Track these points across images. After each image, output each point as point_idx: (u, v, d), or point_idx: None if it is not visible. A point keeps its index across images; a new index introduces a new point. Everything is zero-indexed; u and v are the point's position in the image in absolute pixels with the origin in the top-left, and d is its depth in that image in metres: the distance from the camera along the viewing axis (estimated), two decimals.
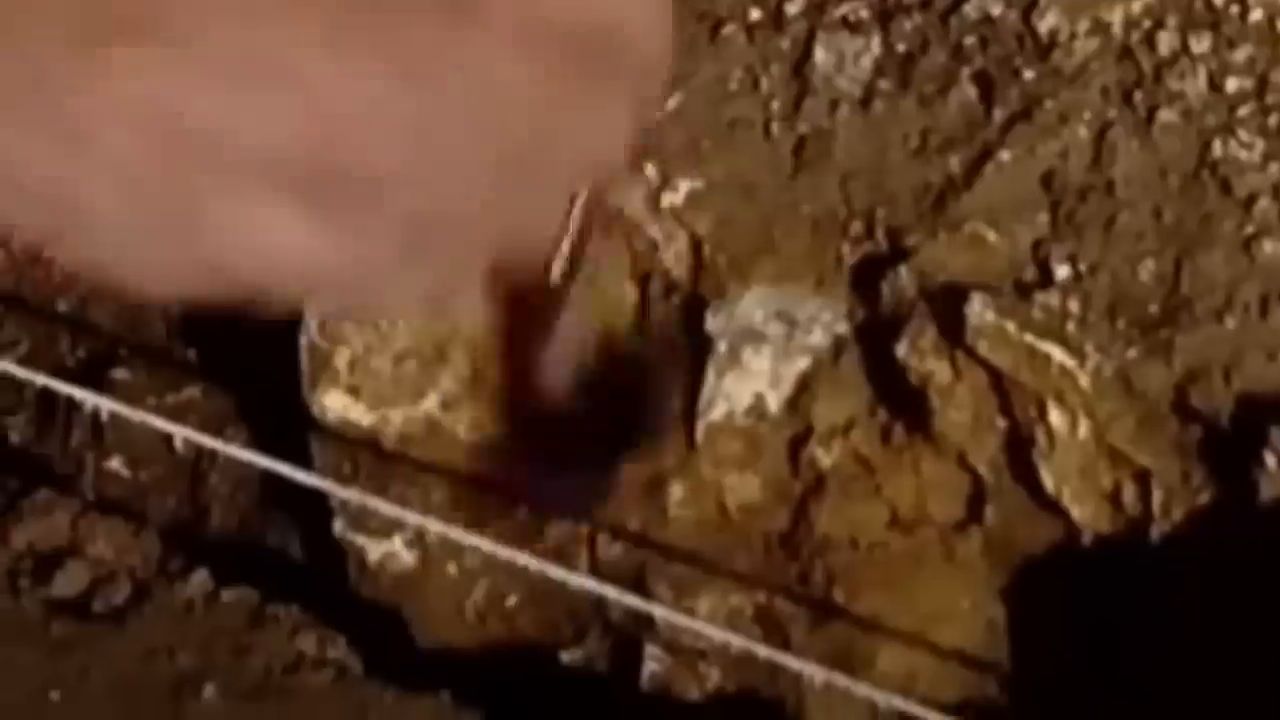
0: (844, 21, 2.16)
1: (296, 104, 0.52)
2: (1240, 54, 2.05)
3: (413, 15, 0.53)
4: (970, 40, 2.11)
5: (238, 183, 0.52)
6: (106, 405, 2.25)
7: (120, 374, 2.46)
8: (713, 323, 2.15)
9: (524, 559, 2.03)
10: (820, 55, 2.15)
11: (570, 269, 0.61)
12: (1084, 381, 1.98)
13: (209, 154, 0.52)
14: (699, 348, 2.16)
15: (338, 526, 2.25)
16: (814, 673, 2.01)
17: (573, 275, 0.62)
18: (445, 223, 0.55)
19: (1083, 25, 2.08)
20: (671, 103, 2.17)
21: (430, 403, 2.21)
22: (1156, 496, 2.00)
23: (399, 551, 2.24)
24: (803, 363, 2.12)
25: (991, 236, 2.04)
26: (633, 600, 2.05)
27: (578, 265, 0.61)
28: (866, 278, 2.10)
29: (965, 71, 2.10)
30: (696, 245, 2.16)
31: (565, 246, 0.60)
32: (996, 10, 2.12)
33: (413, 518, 2.10)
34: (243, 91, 0.52)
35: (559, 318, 0.63)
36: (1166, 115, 2.03)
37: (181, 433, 2.23)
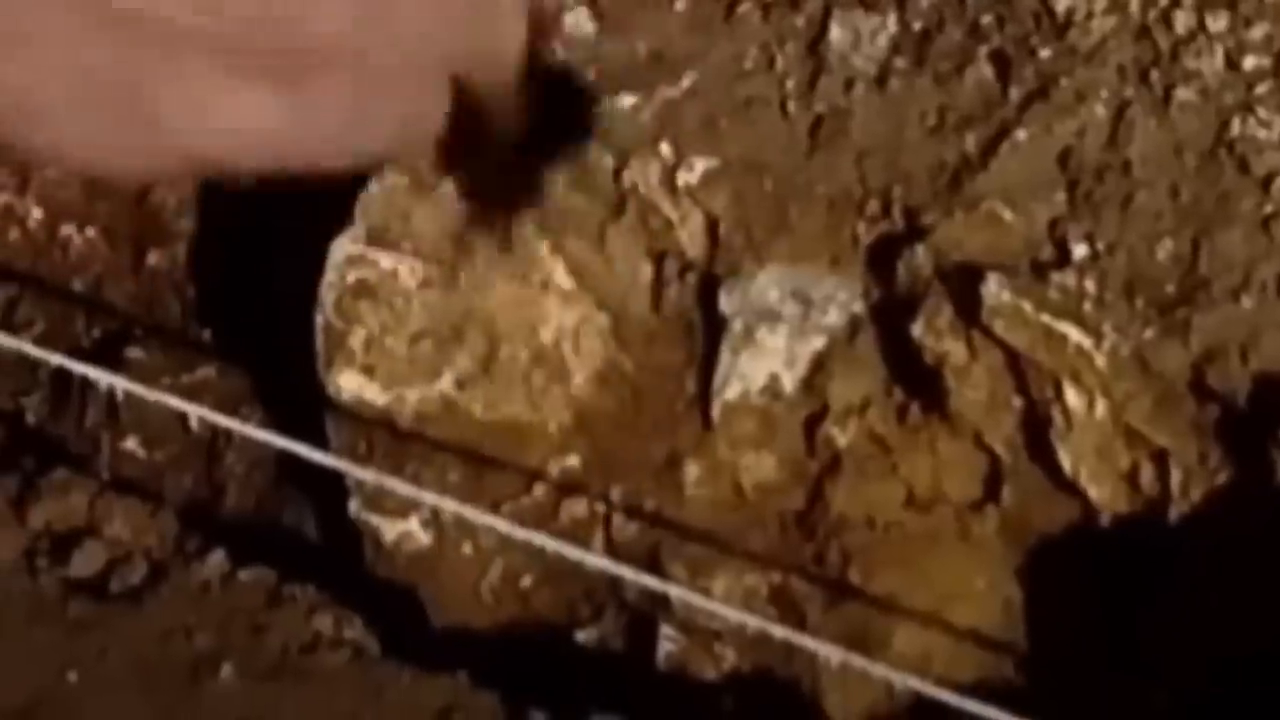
0: (860, 0, 2.16)
1: None
2: (1257, 32, 2.04)
3: None
4: (987, 18, 2.11)
5: (181, 62, 0.52)
6: (122, 385, 2.25)
7: (135, 353, 2.46)
8: (727, 302, 2.14)
9: (539, 539, 2.03)
10: (836, 33, 2.15)
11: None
12: (1101, 361, 1.97)
13: (148, 36, 0.52)
14: (714, 327, 2.15)
15: (353, 506, 2.25)
16: (829, 653, 2.01)
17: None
18: (400, 77, 0.55)
19: (1099, 4, 2.08)
20: (686, 81, 2.16)
21: (446, 382, 2.21)
22: (1174, 476, 2.00)
23: (415, 531, 2.24)
24: (818, 342, 2.12)
25: (1008, 215, 2.03)
26: (648, 580, 2.05)
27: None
28: (882, 257, 2.09)
29: (982, 50, 2.10)
30: (712, 224, 2.15)
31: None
32: None
33: (428, 497, 2.10)
34: None
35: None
36: (1184, 94, 2.03)
37: (197, 412, 2.23)
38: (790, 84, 2.15)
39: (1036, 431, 2.03)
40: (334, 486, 2.25)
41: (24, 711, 1.95)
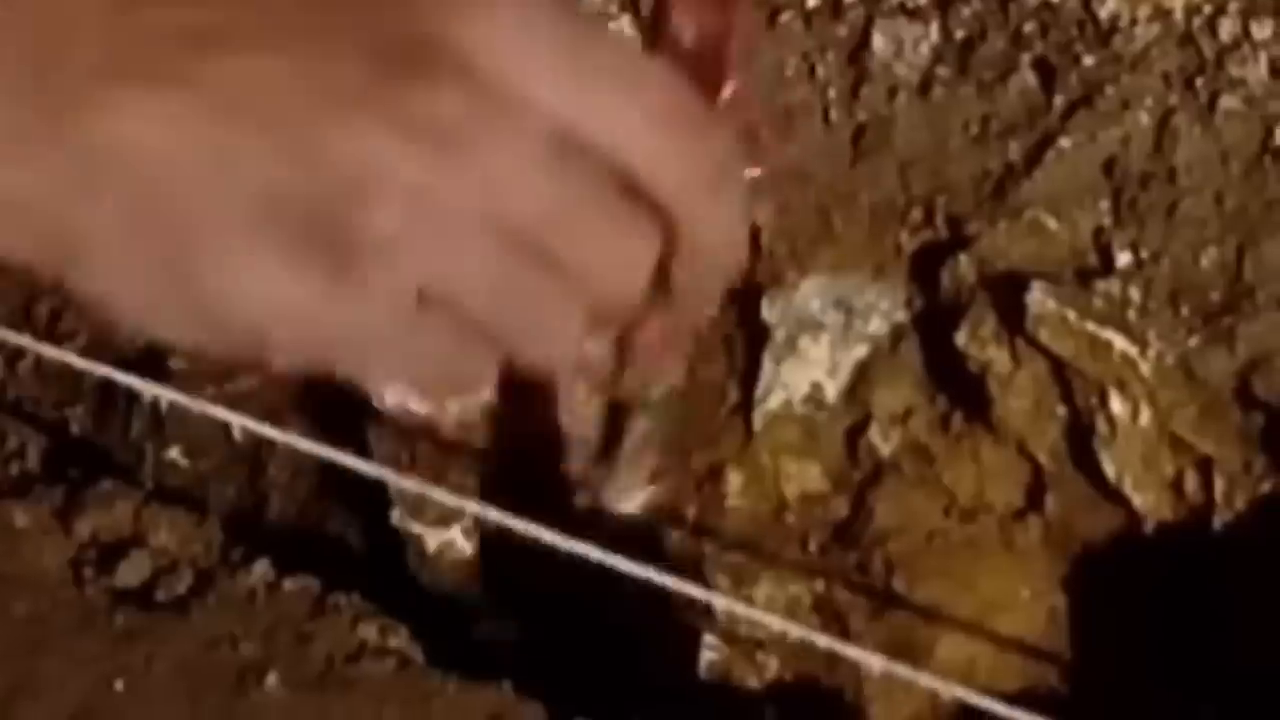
0: (902, 8, 2.16)
1: (303, 154, 0.52)
2: None
3: (449, 97, 0.53)
4: (1030, 26, 2.10)
5: (239, 228, 0.52)
6: (166, 395, 2.25)
7: (178, 364, 2.47)
8: (770, 311, 2.14)
9: (582, 548, 2.02)
10: (878, 42, 2.14)
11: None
12: (1145, 369, 1.97)
13: (211, 197, 0.52)
14: (756, 336, 2.15)
15: (396, 515, 2.25)
16: (873, 662, 2.00)
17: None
18: (449, 301, 0.55)
19: (1143, 11, 2.07)
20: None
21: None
22: (1219, 484, 1.99)
23: (457, 540, 2.24)
24: (861, 351, 2.12)
25: (1052, 224, 2.03)
26: (691, 589, 2.05)
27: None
28: (926, 266, 2.09)
29: (1025, 58, 2.10)
30: (754, 233, 2.15)
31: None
32: None
33: (471, 506, 2.10)
34: (250, 135, 0.52)
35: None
36: (1228, 102, 2.02)
37: (240, 422, 2.23)
38: (832, 92, 2.15)
39: (1081, 440, 2.03)
40: (377, 495, 2.25)
41: None
